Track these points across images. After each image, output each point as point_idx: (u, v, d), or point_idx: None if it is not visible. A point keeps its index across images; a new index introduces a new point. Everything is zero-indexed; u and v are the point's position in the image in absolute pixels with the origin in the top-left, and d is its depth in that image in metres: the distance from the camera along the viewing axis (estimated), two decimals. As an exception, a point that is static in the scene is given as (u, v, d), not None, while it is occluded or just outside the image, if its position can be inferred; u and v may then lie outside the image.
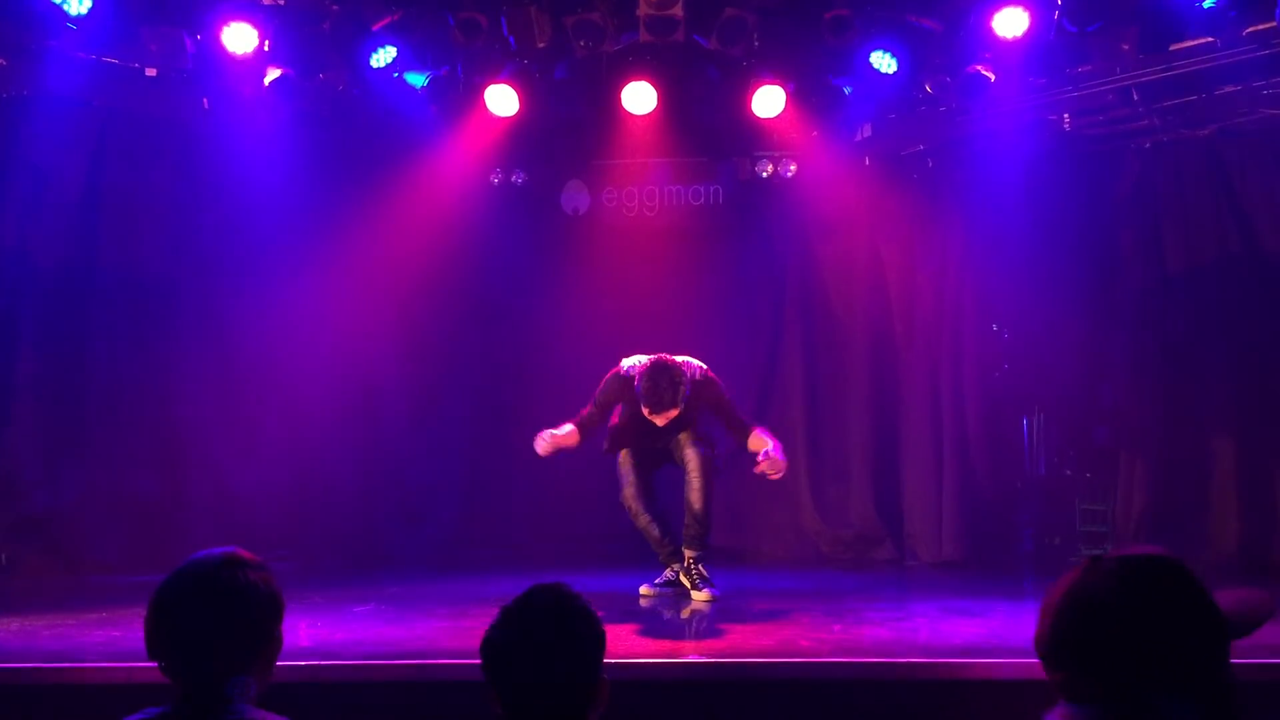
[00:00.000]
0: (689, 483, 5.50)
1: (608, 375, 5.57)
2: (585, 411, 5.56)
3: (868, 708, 3.65)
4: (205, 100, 7.00)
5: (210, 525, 6.69)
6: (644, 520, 5.57)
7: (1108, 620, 1.58)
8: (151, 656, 2.08)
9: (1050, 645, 1.65)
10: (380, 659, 3.92)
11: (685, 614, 5.30)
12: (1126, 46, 6.44)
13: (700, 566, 5.56)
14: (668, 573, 5.65)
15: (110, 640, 4.37)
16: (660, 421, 5.39)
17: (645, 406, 5.31)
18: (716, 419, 5.62)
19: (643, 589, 5.66)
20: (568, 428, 5.50)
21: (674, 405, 5.29)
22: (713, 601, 5.42)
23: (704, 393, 5.49)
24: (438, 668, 3.79)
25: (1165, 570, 1.62)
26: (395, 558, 7.39)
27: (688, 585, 5.56)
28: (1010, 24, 6.32)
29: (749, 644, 4.35)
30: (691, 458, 5.48)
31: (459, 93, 7.09)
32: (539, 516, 7.70)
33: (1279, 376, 6.74)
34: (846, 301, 7.79)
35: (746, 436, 5.52)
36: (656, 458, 5.70)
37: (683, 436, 5.55)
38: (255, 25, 6.46)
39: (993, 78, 6.67)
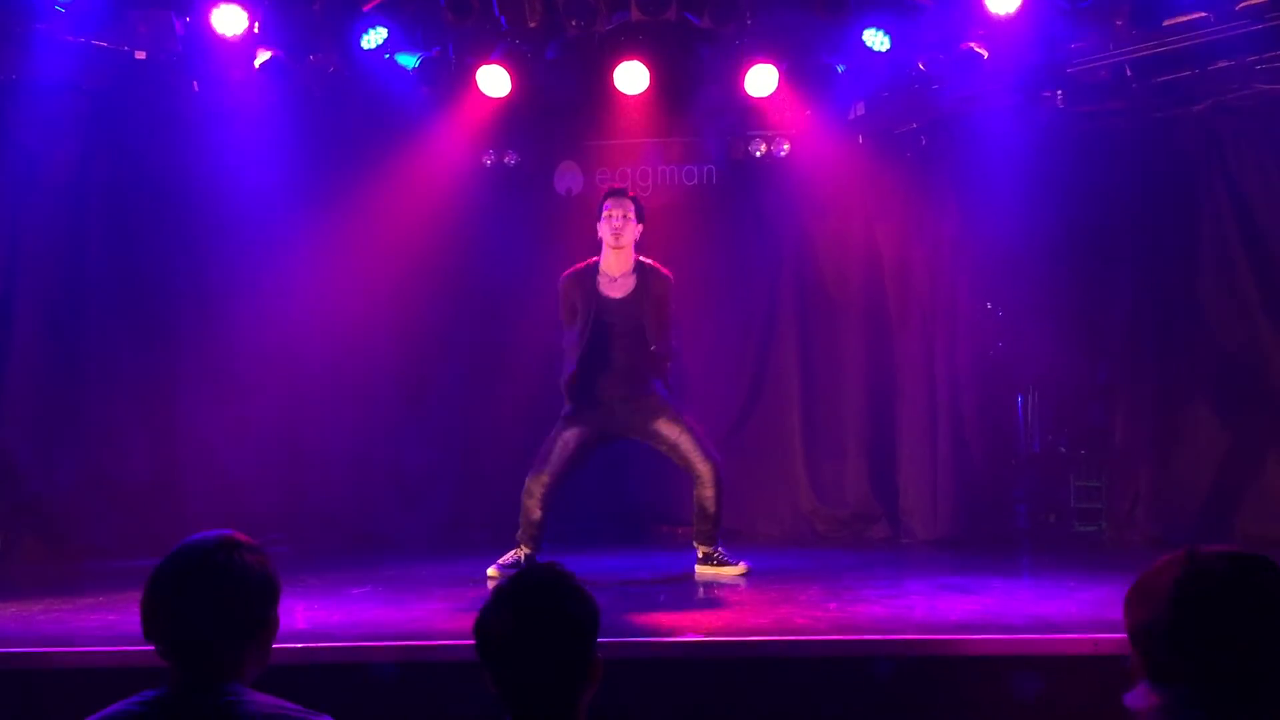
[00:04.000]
0: (703, 490, 5.61)
1: (559, 283, 5.74)
2: (564, 339, 5.73)
3: (864, 684, 3.66)
4: (195, 83, 6.96)
5: (205, 509, 6.68)
6: (534, 508, 5.55)
7: (1221, 610, 1.73)
8: (148, 639, 2.08)
9: (1150, 628, 1.78)
10: (376, 640, 3.93)
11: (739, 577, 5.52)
12: (1120, 22, 6.42)
13: (719, 550, 5.71)
14: (516, 554, 5.61)
15: (107, 624, 4.38)
16: (615, 226, 5.54)
17: (606, 197, 5.66)
18: (648, 320, 5.61)
19: (490, 570, 5.58)
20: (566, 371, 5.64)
21: (633, 200, 5.63)
22: (748, 573, 5.62)
23: (655, 283, 5.63)
24: (433, 649, 3.80)
25: (1271, 569, 1.78)
26: (391, 540, 7.40)
27: (716, 569, 5.66)
28: (1003, 0, 6.30)
29: (744, 622, 4.36)
30: (705, 471, 5.57)
31: (450, 73, 7.07)
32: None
33: (1273, 352, 6.74)
34: (841, 280, 7.78)
35: (666, 357, 5.65)
36: (601, 442, 5.70)
37: (673, 433, 5.56)
38: (245, 7, 6.42)
39: (986, 55, 6.65)
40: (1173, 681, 1.72)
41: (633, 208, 5.65)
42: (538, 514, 5.56)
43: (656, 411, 5.58)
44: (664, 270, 5.70)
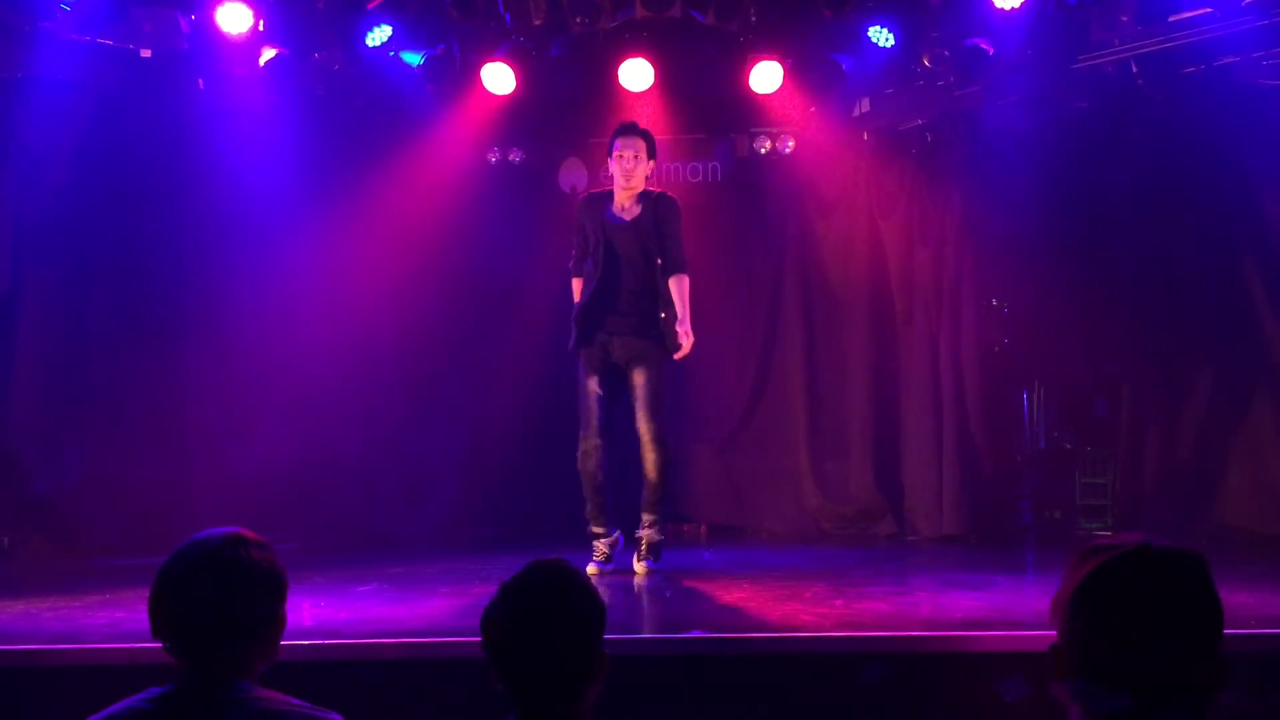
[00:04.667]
0: (643, 451, 5.57)
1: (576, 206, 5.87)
2: (571, 258, 5.81)
3: (869, 681, 3.67)
4: (200, 81, 6.97)
5: (211, 507, 6.68)
6: (595, 471, 5.58)
7: (1139, 609, 1.60)
8: (156, 636, 2.09)
9: (1075, 623, 1.66)
10: (382, 638, 3.93)
11: (638, 580, 5.48)
12: (1125, 18, 6.42)
13: (653, 531, 5.65)
14: (601, 545, 5.65)
15: (114, 621, 4.39)
16: (626, 168, 5.53)
17: (616, 135, 5.61)
18: (656, 238, 5.62)
19: (590, 568, 5.60)
20: (576, 299, 5.73)
21: (643, 136, 5.59)
22: (649, 574, 5.54)
23: (662, 204, 5.63)
24: (439, 646, 3.81)
25: (1194, 565, 1.65)
26: (396, 538, 7.40)
27: (639, 557, 5.63)
28: (1008, -4, 6.30)
29: (750, 619, 4.37)
30: (643, 430, 5.52)
31: (455, 71, 7.06)
32: (539, 495, 7.71)
33: (1277, 347, 6.73)
34: (845, 277, 7.77)
35: (669, 275, 5.60)
36: (615, 379, 5.66)
37: (639, 381, 5.55)
38: (249, 5, 6.43)
39: (991, 51, 6.64)
40: (1092, 678, 1.61)
41: (644, 145, 5.62)
42: (599, 478, 5.56)
43: (640, 356, 5.57)
44: (669, 195, 5.74)
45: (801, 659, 3.73)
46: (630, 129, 5.68)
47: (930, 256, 7.52)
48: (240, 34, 6.45)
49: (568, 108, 7.66)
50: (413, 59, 6.97)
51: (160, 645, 2.09)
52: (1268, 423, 6.75)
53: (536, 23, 6.71)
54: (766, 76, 7.03)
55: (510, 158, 7.91)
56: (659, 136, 7.73)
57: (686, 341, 5.55)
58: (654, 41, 7.03)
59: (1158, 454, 7.01)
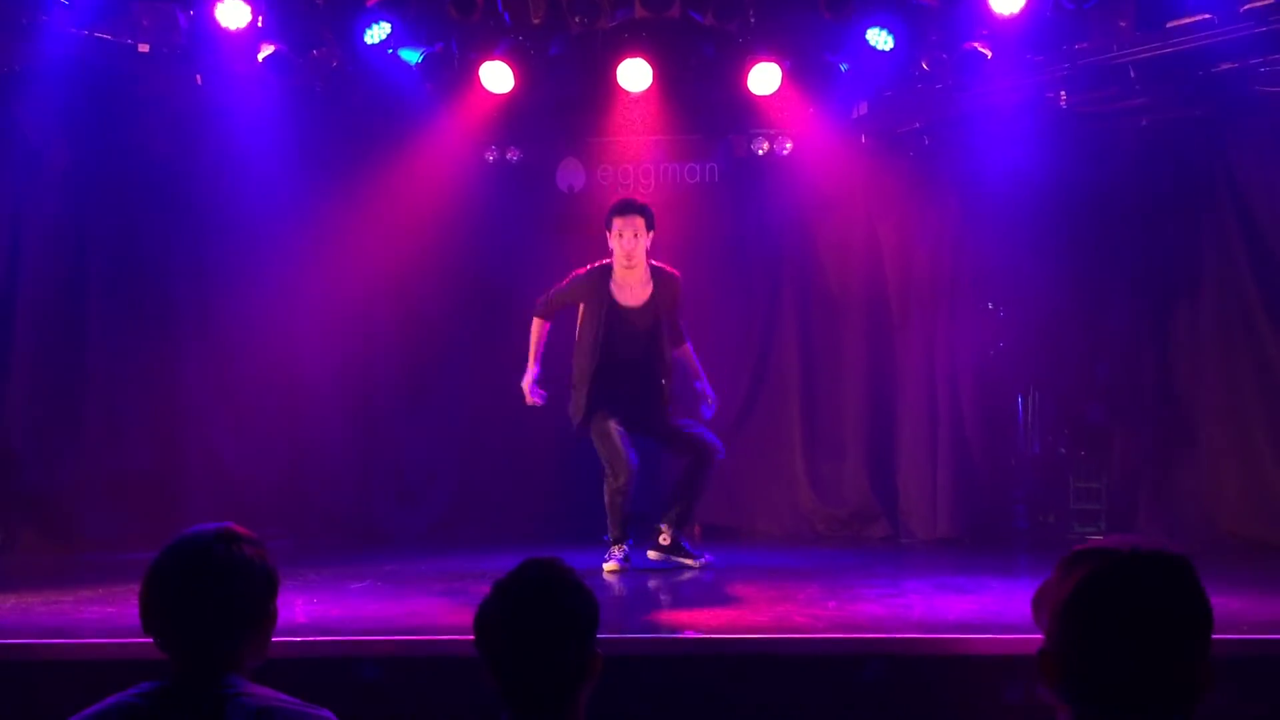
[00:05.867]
0: (689, 470, 5.70)
1: (572, 274, 5.84)
2: (542, 301, 5.89)
3: (862, 683, 3.67)
4: (198, 76, 6.96)
5: (206, 503, 6.69)
6: (625, 505, 5.62)
7: (1127, 619, 1.56)
8: (146, 632, 2.08)
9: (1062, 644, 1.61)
10: (376, 635, 3.93)
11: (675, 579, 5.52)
12: (1124, 23, 6.42)
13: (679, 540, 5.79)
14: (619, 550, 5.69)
15: (105, 616, 4.39)
16: (627, 248, 5.53)
17: (614, 214, 5.59)
18: (664, 324, 5.75)
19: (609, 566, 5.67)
20: (533, 340, 5.84)
21: (641, 213, 5.58)
22: (707, 567, 5.69)
23: (669, 286, 5.73)
24: (433, 643, 3.81)
25: (1184, 570, 1.60)
26: (391, 536, 7.41)
27: (679, 558, 5.75)
28: (1007, 1, 6.30)
29: (744, 620, 4.37)
30: (704, 451, 5.69)
31: (454, 69, 7.06)
32: (534, 493, 7.72)
33: (1274, 352, 6.74)
34: (842, 279, 7.78)
35: (678, 346, 5.80)
36: (633, 425, 5.71)
37: (660, 426, 5.68)
38: (248, 1, 6.42)
39: (989, 55, 6.65)
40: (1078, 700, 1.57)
41: (642, 222, 5.61)
42: (627, 509, 5.64)
43: (648, 416, 5.70)
44: (674, 271, 5.81)
45: (794, 661, 3.73)
46: (627, 207, 5.66)
47: (927, 260, 7.53)
48: (239, 30, 6.44)
49: (566, 107, 7.66)
50: (411, 57, 6.96)
51: (151, 640, 2.08)
52: (1261, 428, 6.76)
53: (535, 22, 6.71)
54: (765, 78, 7.03)
55: (508, 156, 7.90)
56: (656, 136, 7.79)
57: (712, 400, 5.84)
58: (653, 42, 7.03)
59: (1152, 460, 7.03)
